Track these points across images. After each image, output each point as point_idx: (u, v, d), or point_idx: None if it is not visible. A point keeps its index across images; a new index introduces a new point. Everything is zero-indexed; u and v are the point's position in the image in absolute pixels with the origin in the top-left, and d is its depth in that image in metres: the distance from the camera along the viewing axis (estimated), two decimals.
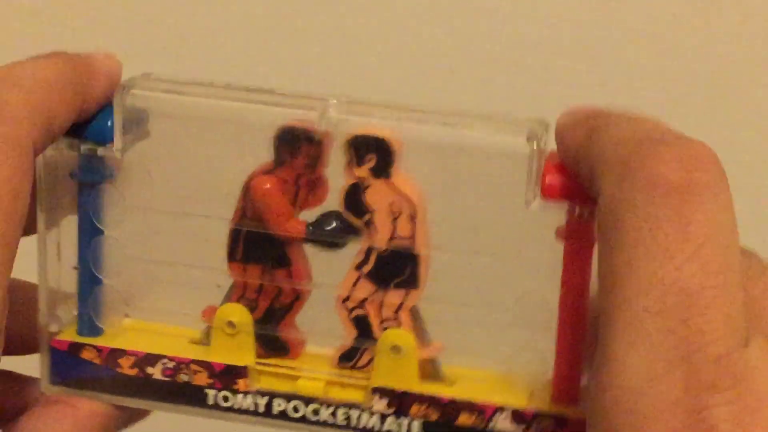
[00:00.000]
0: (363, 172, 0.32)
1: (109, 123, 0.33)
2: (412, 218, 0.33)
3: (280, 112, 0.32)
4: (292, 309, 0.34)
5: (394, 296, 0.33)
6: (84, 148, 0.33)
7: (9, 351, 0.33)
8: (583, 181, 0.29)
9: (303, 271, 0.34)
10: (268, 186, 0.33)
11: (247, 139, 0.33)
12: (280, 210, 0.33)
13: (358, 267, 0.33)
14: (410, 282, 0.33)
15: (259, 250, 0.34)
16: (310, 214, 0.34)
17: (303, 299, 0.34)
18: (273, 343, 0.34)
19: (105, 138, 0.33)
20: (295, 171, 0.33)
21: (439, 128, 0.32)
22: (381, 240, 0.33)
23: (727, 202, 0.27)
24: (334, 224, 0.33)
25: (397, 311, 0.33)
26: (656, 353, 0.25)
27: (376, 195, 0.32)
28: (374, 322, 0.34)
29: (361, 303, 0.33)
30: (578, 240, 0.31)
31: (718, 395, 0.25)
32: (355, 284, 0.33)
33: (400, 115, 0.32)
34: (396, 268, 0.33)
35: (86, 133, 0.33)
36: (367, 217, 0.33)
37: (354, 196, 0.33)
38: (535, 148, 0.31)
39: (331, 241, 0.33)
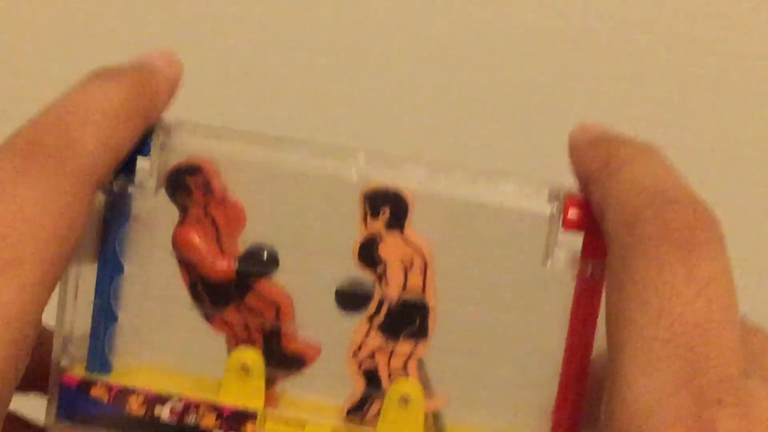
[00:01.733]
0: (378, 225, 0.34)
1: (147, 138, 0.34)
2: (424, 270, 0.34)
3: (309, 162, 0.34)
4: (284, 323, 0.35)
5: (403, 347, 0.34)
6: (116, 185, 0.34)
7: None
8: (595, 212, 0.31)
9: (268, 286, 0.35)
10: (186, 236, 0.34)
11: (273, 186, 0.35)
12: (204, 255, 0.34)
13: (370, 318, 0.34)
14: (420, 332, 0.34)
15: (219, 292, 0.35)
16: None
17: (287, 307, 0.35)
18: (285, 361, 0.35)
19: (141, 152, 0.34)
20: (198, 206, 0.34)
21: (460, 185, 0.34)
22: (393, 291, 0.34)
23: (726, 258, 0.29)
24: (262, 254, 0.35)
25: (405, 362, 0.34)
26: (665, 376, 0.27)
27: (390, 247, 0.34)
28: (383, 373, 0.34)
29: (372, 354, 0.34)
30: (586, 297, 0.33)
31: (724, 410, 0.26)
32: (366, 335, 0.34)
33: (421, 170, 0.34)
34: (406, 319, 0.34)
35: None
36: (380, 268, 0.34)
37: (368, 249, 0.34)
38: (555, 208, 0.33)
39: (262, 270, 0.34)
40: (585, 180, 0.32)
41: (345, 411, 0.35)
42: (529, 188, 0.33)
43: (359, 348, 0.34)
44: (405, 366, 0.34)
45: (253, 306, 0.35)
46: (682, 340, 0.27)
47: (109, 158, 0.31)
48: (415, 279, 0.34)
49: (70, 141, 0.31)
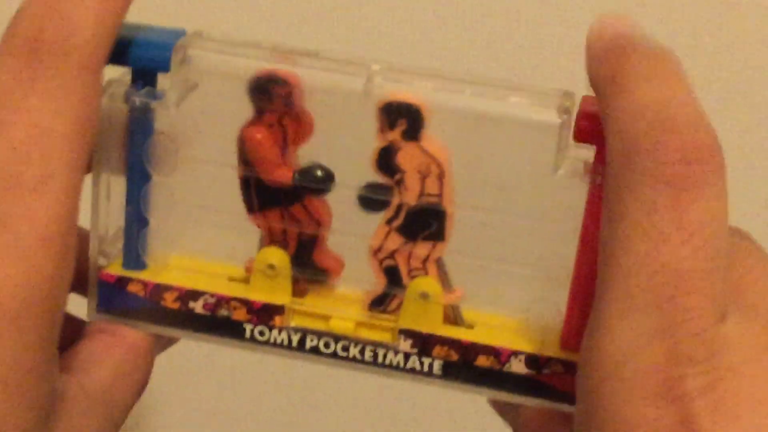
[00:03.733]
0: (394, 135, 0.35)
1: (166, 54, 0.34)
2: (440, 177, 0.35)
3: (323, 75, 0.35)
4: (319, 237, 0.37)
5: (422, 248, 0.36)
6: (139, 100, 0.35)
7: None
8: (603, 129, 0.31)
9: (316, 203, 0.36)
10: (257, 136, 0.35)
11: None
12: (268, 159, 0.36)
13: (389, 221, 0.36)
14: (437, 235, 0.36)
15: (269, 194, 0.36)
16: (305, 150, 0.36)
17: (326, 226, 0.37)
18: (312, 272, 0.37)
19: (162, 68, 0.35)
20: (275, 113, 0.35)
21: (473, 98, 0.34)
22: (411, 197, 0.35)
23: (721, 192, 0.29)
24: (318, 173, 0.36)
25: (424, 262, 0.36)
26: (642, 325, 0.28)
27: (407, 156, 0.35)
28: (403, 271, 0.36)
29: (392, 254, 0.36)
30: (596, 204, 0.34)
31: (693, 366, 0.28)
32: (386, 237, 0.36)
33: (436, 83, 0.34)
34: (424, 223, 0.35)
35: (143, 60, 0.35)
36: (398, 176, 0.35)
37: (386, 158, 0.35)
38: (564, 119, 0.33)
39: (316, 187, 0.36)
40: (596, 93, 0.32)
41: (367, 304, 0.37)
42: (541, 100, 0.34)
43: (379, 249, 0.36)
44: (424, 265, 0.36)
45: (297, 215, 0.36)
46: (662, 290, 0.28)
47: (107, 39, 0.31)
48: (431, 185, 0.35)
49: (70, 31, 0.30)
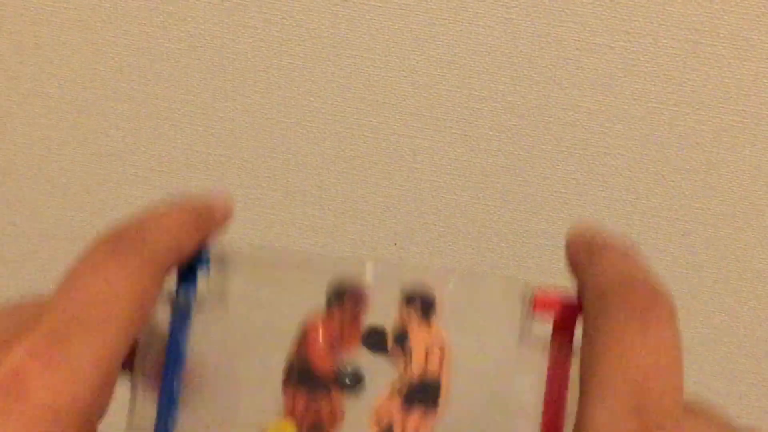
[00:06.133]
0: (409, 317, 0.42)
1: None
2: (441, 358, 0.41)
3: (336, 271, 0.42)
4: (332, 429, 0.42)
5: (417, 415, 0.41)
6: (181, 296, 0.42)
7: None
8: (577, 289, 0.41)
9: (340, 399, 0.42)
10: (316, 330, 0.42)
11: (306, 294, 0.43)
12: (319, 352, 0.42)
13: (393, 392, 0.41)
14: (433, 407, 0.42)
15: (307, 375, 0.42)
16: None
17: (340, 420, 0.42)
18: None
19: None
20: (340, 314, 0.42)
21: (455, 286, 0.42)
22: (416, 371, 0.41)
23: (674, 329, 0.38)
24: (353, 375, 0.42)
25: (417, 429, 0.42)
26: (620, 405, 0.36)
27: (417, 336, 0.41)
28: None
29: (389, 426, 0.42)
30: (557, 366, 0.41)
31: (662, 430, 0.36)
32: (387, 406, 0.42)
33: (430, 273, 0.42)
34: (424, 395, 0.41)
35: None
36: (407, 352, 0.41)
37: (401, 337, 0.42)
38: (526, 303, 0.42)
39: (349, 387, 0.42)
40: (573, 266, 0.41)
41: None
42: (506, 285, 0.42)
43: (379, 419, 0.42)
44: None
45: (320, 402, 0.42)
46: (635, 381, 0.36)
47: (174, 254, 0.40)
48: (433, 363, 0.40)
49: (147, 237, 0.39)
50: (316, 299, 0.42)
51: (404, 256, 0.43)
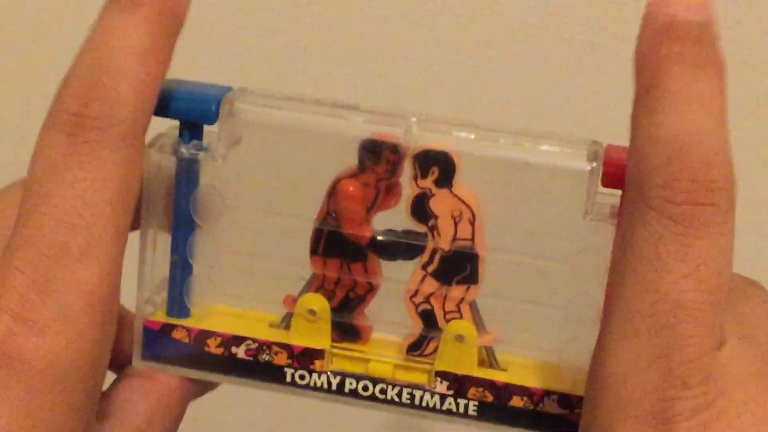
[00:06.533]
0: (427, 183, 0.37)
1: (213, 108, 0.36)
2: (471, 222, 0.37)
3: (362, 127, 0.37)
4: (365, 300, 0.38)
5: (456, 291, 0.37)
6: (187, 152, 0.37)
7: None
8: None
9: (376, 267, 0.38)
10: (351, 189, 0.37)
11: (330, 150, 0.38)
12: (355, 214, 0.37)
13: (424, 266, 0.38)
14: (471, 278, 0.37)
15: (339, 245, 0.38)
16: (385, 217, 0.38)
17: (375, 292, 0.38)
18: (347, 328, 0.39)
19: (210, 120, 0.37)
20: (376, 176, 0.37)
21: (506, 147, 0.36)
22: (444, 242, 0.37)
23: (727, 229, 0.30)
24: (394, 240, 0.38)
25: (458, 305, 0.38)
26: (641, 349, 0.30)
27: (440, 203, 0.37)
28: (438, 314, 0.38)
29: (427, 298, 0.38)
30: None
31: (685, 390, 0.29)
32: (421, 281, 0.38)
33: (470, 132, 0.37)
34: (458, 267, 0.37)
35: (192, 114, 0.37)
36: (431, 222, 0.37)
37: (420, 205, 0.37)
38: (593, 166, 0.35)
39: (389, 254, 0.38)
40: (635, 81, 0.32)
41: (405, 348, 0.38)
42: (571, 148, 0.36)
43: (415, 293, 0.38)
44: (458, 308, 0.38)
45: (355, 272, 0.38)
46: (662, 318, 0.30)
47: (148, 108, 0.33)
48: (464, 230, 0.37)
49: (111, 105, 0.32)
50: (343, 159, 0.37)
51: None
